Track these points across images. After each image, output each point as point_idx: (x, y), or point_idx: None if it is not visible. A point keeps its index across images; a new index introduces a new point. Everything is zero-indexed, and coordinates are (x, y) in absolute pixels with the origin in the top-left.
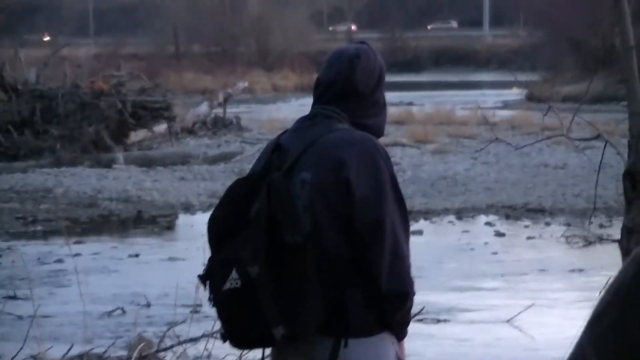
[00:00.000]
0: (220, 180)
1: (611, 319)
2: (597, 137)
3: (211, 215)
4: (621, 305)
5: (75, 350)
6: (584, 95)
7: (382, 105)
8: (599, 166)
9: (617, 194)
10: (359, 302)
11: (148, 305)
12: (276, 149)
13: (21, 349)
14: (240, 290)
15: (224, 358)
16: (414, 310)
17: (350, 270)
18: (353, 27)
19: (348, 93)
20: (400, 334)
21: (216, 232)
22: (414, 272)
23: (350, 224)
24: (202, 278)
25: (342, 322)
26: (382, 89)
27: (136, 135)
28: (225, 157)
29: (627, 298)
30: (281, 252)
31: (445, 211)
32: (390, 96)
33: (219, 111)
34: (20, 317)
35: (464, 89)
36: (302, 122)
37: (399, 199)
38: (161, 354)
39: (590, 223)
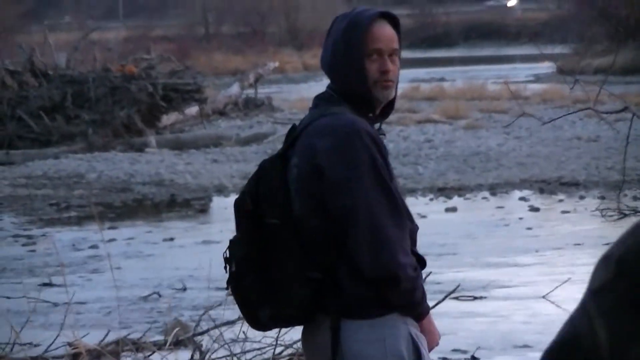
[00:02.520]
0: (253, 161)
1: (622, 293)
2: (625, 109)
3: (236, 197)
4: (630, 278)
5: (112, 337)
6: (611, 67)
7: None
8: (627, 138)
9: None
10: (352, 283)
11: (184, 289)
12: (290, 131)
13: (57, 336)
14: (235, 273)
15: (260, 340)
16: (448, 287)
17: (339, 252)
18: None
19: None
20: (412, 315)
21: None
22: (448, 249)
23: (327, 209)
24: (225, 260)
25: (339, 303)
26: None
27: (168, 119)
28: (257, 138)
29: (634, 270)
30: (266, 234)
31: (479, 187)
32: (421, 72)
33: (250, 92)
34: (55, 305)
35: (495, 63)
36: (313, 101)
37: (381, 182)
38: (197, 338)
39: (625, 195)
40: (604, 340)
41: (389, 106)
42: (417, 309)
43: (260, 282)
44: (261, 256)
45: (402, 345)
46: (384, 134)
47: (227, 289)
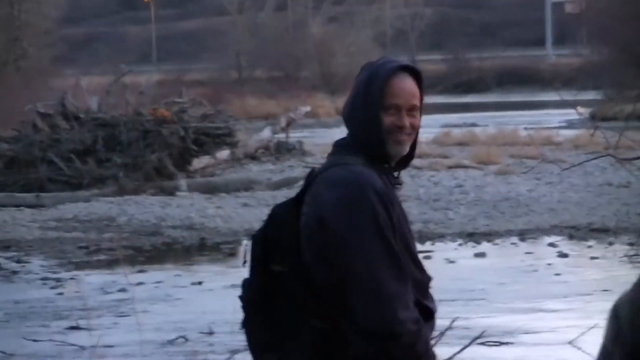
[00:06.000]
0: None
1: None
2: None
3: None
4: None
5: None
6: (630, 115)
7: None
8: None
9: None
10: (356, 335)
11: (211, 333)
12: (307, 176)
13: None
14: (245, 316)
15: None
16: (475, 333)
17: (344, 304)
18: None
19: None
20: None
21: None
22: (476, 294)
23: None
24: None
25: (344, 354)
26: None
27: (199, 162)
28: (288, 183)
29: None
30: (273, 280)
31: (509, 232)
32: (453, 117)
33: (282, 136)
34: (82, 348)
35: (528, 109)
36: (332, 147)
37: (382, 237)
38: None
39: None
40: None
41: (408, 155)
42: None
43: (266, 327)
44: (268, 301)
45: None
46: (400, 184)
47: (242, 329)
